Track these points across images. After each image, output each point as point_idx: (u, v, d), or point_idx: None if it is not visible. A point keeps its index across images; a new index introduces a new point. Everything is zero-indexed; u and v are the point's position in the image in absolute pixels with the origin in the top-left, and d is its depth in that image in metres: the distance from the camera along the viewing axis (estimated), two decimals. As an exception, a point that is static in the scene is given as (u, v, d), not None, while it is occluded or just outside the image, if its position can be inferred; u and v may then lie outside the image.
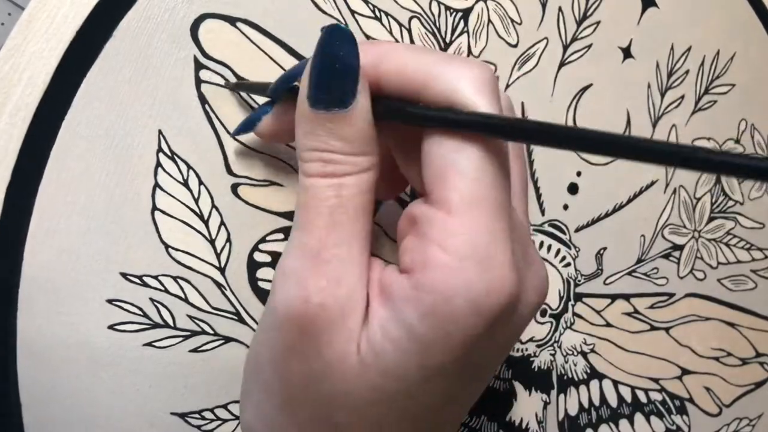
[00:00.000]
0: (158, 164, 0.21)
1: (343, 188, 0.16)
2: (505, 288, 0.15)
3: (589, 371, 0.29)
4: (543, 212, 0.28)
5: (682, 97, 0.30)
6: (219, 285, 0.22)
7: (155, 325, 0.21)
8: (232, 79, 0.22)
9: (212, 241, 0.22)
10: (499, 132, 0.15)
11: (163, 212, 0.21)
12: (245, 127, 0.21)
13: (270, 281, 0.23)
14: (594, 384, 0.29)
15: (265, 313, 0.17)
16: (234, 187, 0.22)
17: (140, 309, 0.21)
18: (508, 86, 0.26)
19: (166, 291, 0.21)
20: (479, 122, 0.15)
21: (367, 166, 0.16)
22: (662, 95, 0.30)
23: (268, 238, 0.23)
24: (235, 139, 0.22)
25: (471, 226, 0.15)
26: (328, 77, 0.16)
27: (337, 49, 0.16)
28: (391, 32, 0.24)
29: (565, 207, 0.28)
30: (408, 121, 0.17)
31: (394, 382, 0.15)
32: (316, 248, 0.16)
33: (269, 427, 0.17)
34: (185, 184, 0.21)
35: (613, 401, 0.30)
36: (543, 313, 0.28)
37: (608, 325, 0.30)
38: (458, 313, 0.14)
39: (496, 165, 0.15)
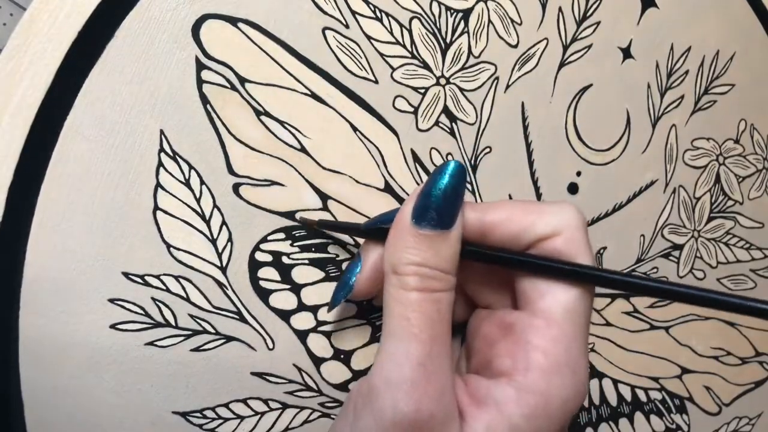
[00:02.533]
0: (160, 164, 0.21)
1: (441, 303, 0.18)
2: (585, 392, 0.18)
3: (588, 370, 0.29)
4: (543, 212, 0.28)
5: (682, 97, 0.30)
6: (220, 284, 0.22)
7: (157, 325, 0.21)
8: (234, 80, 0.22)
9: (214, 241, 0.22)
10: (591, 281, 0.18)
11: (165, 212, 0.21)
12: (340, 294, 0.21)
13: (271, 281, 0.23)
14: (594, 383, 0.30)
15: (363, 418, 0.18)
16: (235, 187, 0.22)
17: (142, 308, 0.21)
18: (508, 87, 0.26)
19: (168, 290, 0.21)
20: (576, 272, 0.18)
21: (453, 284, 0.18)
22: (662, 95, 0.30)
23: (269, 238, 0.23)
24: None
25: (570, 336, 0.17)
26: (441, 202, 0.18)
27: (455, 180, 0.18)
28: (391, 32, 0.24)
29: (565, 207, 0.28)
30: (511, 267, 0.19)
31: None
32: (422, 359, 0.17)
33: None
34: (187, 183, 0.21)
35: (612, 400, 0.30)
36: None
37: (608, 324, 0.30)
38: (554, 412, 0.17)
39: (588, 290, 0.18)
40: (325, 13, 0.23)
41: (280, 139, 0.23)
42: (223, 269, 0.22)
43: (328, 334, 0.24)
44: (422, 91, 0.25)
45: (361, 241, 0.23)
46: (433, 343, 0.17)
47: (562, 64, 0.27)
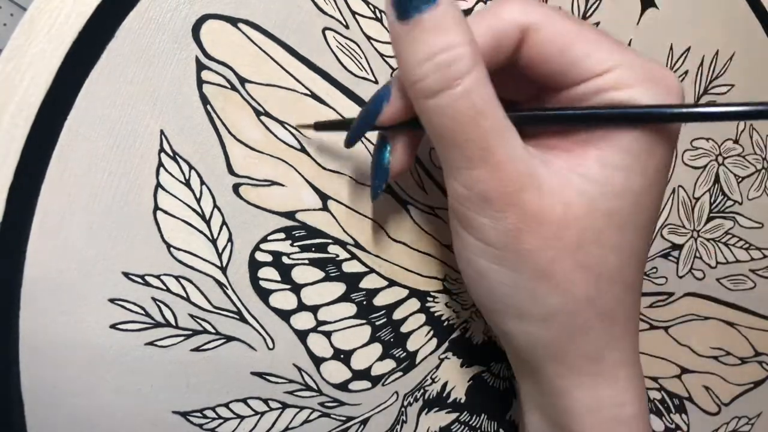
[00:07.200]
0: (160, 164, 0.21)
1: (471, 89, 0.16)
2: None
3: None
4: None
5: (681, 97, 0.30)
6: (220, 284, 0.22)
7: (157, 324, 0.21)
8: (234, 80, 0.22)
9: (214, 241, 0.22)
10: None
11: (165, 212, 0.21)
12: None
13: (271, 281, 0.23)
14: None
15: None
16: (235, 187, 0.22)
17: (142, 308, 0.21)
18: (508, 86, 0.26)
19: (168, 290, 0.21)
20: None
21: (475, 62, 0.16)
22: (661, 95, 0.30)
23: (269, 238, 0.23)
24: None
25: None
26: None
27: None
28: (391, 33, 0.24)
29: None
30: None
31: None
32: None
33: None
34: (187, 184, 0.21)
35: (612, 400, 0.30)
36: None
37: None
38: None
39: None
40: (325, 13, 0.23)
41: (280, 140, 0.23)
42: (223, 269, 0.22)
43: (328, 334, 0.24)
44: (422, 91, 0.25)
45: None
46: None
47: (561, 65, 0.27)
